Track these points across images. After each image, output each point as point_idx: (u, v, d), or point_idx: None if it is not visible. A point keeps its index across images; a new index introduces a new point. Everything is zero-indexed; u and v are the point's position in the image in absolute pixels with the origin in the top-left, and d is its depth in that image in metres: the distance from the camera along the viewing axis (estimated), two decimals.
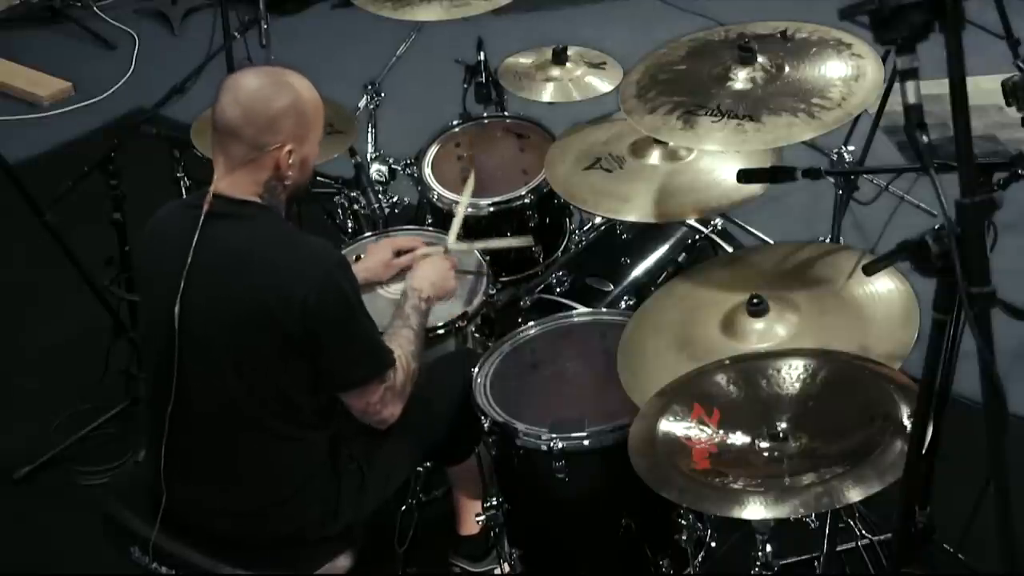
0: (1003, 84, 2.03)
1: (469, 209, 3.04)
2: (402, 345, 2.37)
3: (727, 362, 2.11)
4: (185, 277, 2.16)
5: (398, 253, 2.77)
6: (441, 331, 2.64)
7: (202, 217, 2.16)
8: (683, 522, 2.41)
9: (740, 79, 2.37)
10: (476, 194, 3.16)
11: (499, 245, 2.96)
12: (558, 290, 2.82)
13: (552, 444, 2.30)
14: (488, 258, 2.87)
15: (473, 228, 3.02)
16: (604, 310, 2.70)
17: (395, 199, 3.35)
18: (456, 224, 2.83)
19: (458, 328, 2.69)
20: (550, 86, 3.31)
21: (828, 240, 2.95)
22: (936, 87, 1.54)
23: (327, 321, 2.16)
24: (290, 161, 2.18)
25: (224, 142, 2.19)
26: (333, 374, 2.24)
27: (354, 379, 2.26)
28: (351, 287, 2.21)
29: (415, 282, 2.53)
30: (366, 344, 2.26)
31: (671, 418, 2.02)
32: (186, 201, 2.25)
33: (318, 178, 3.54)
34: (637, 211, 2.58)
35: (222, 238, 2.17)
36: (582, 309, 2.69)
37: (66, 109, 5.16)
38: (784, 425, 1.95)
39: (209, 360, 2.19)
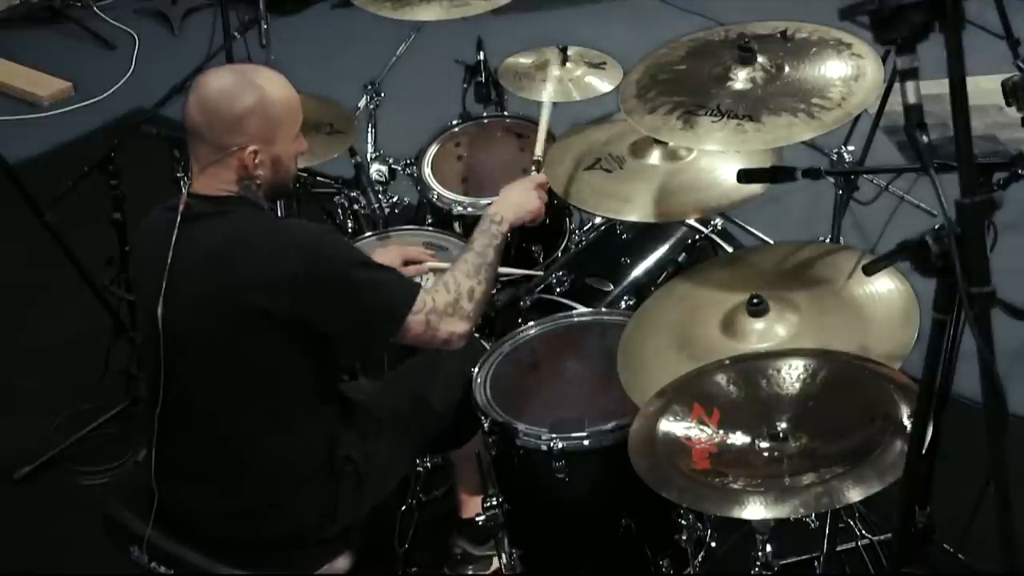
0: (1003, 84, 2.03)
1: (469, 209, 3.05)
2: (456, 266, 2.33)
3: (727, 362, 2.11)
4: (167, 278, 2.15)
5: (405, 263, 2.76)
6: None
7: (178, 218, 2.16)
8: (683, 522, 2.41)
9: (740, 79, 2.37)
10: (475, 194, 3.17)
11: (507, 271, 2.94)
12: (558, 290, 2.82)
13: (552, 444, 2.30)
14: None
15: (472, 228, 3.01)
16: (604, 310, 2.70)
17: (395, 199, 3.35)
18: (543, 131, 2.80)
19: None
20: (550, 86, 3.30)
21: (828, 240, 2.95)
22: (936, 87, 1.53)
23: (325, 295, 2.14)
24: (256, 161, 2.17)
25: (192, 143, 2.20)
26: (358, 335, 2.26)
27: (385, 328, 2.22)
28: (334, 252, 2.19)
29: (493, 207, 2.46)
30: (375, 293, 2.20)
31: (671, 418, 2.02)
32: (166, 204, 2.25)
33: (318, 178, 3.55)
34: (637, 211, 2.58)
35: (202, 237, 2.16)
36: (582, 309, 2.69)
37: (66, 109, 5.16)
38: (784, 425, 1.95)
39: (200, 359, 2.19)
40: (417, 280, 2.69)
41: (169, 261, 2.15)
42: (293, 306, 2.12)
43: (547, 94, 2.90)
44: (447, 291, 2.26)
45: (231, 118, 2.14)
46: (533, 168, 2.71)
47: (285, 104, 2.20)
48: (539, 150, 2.75)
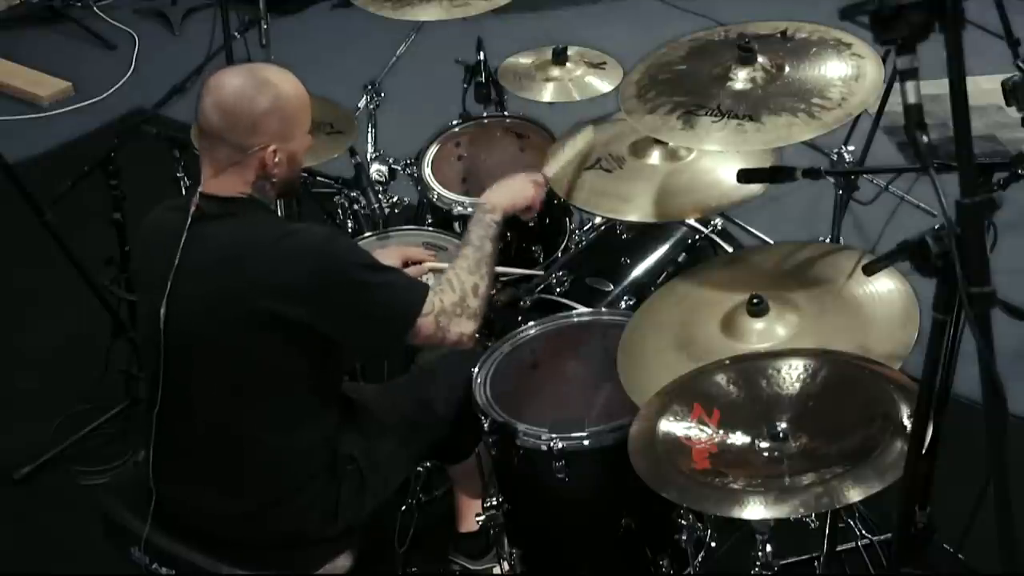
0: (1003, 84, 2.03)
1: (469, 209, 3.05)
2: (456, 263, 2.32)
3: (727, 362, 2.11)
4: (173, 278, 2.15)
5: (405, 264, 2.75)
6: None
7: (189, 218, 2.16)
8: (683, 522, 2.41)
9: (740, 79, 2.37)
10: (475, 194, 3.16)
11: (507, 271, 2.93)
12: (558, 290, 2.82)
13: (552, 444, 2.30)
14: None
15: None
16: (604, 310, 2.70)
17: (395, 199, 3.35)
18: (563, 157, 2.68)
19: None
20: (550, 86, 3.31)
21: (828, 240, 2.95)
22: (936, 87, 1.54)
23: (335, 298, 2.13)
24: (276, 160, 2.17)
25: (209, 145, 2.18)
26: (368, 338, 2.24)
27: (395, 331, 2.21)
28: (345, 255, 2.18)
29: (485, 195, 2.46)
30: (385, 296, 2.20)
31: (671, 418, 2.02)
32: (175, 203, 2.24)
33: (318, 178, 3.56)
34: (637, 211, 2.58)
35: (211, 237, 2.16)
36: (582, 309, 2.69)
37: (66, 109, 5.17)
38: (784, 425, 1.94)
39: (202, 359, 2.19)
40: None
41: (177, 261, 2.15)
42: (302, 309, 2.12)
43: (585, 133, 2.75)
44: (452, 290, 2.25)
45: (252, 119, 2.14)
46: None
47: (299, 100, 2.21)
48: (552, 170, 2.65)
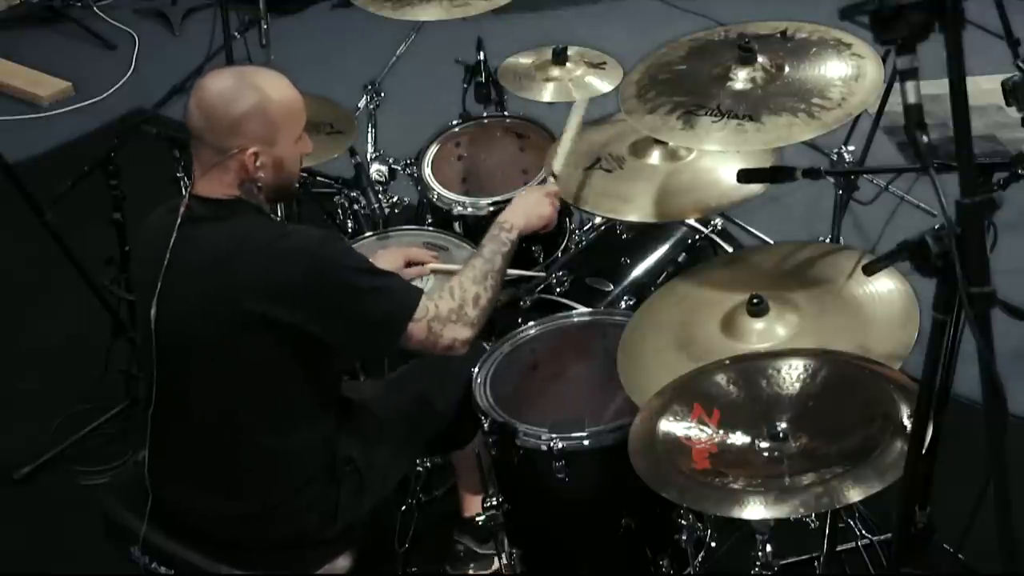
0: (1003, 84, 2.03)
1: (469, 209, 3.05)
2: (463, 272, 2.32)
3: (727, 362, 2.11)
4: (163, 280, 2.15)
5: (408, 264, 2.74)
6: None
7: (179, 220, 2.15)
8: (683, 522, 2.41)
9: (740, 79, 2.37)
10: (476, 194, 3.16)
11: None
12: (558, 290, 2.82)
13: (552, 444, 2.30)
14: None
15: (473, 228, 3.02)
16: (604, 310, 2.70)
17: (395, 199, 3.35)
18: (564, 148, 2.67)
19: None
20: (550, 86, 3.31)
21: (828, 240, 2.95)
22: (936, 87, 1.54)
23: (326, 301, 2.13)
24: (257, 163, 2.16)
25: (194, 145, 2.19)
26: (359, 342, 2.23)
27: (386, 336, 2.20)
28: (337, 258, 2.17)
29: (503, 215, 2.46)
30: (377, 300, 2.18)
31: (671, 418, 2.02)
32: (168, 205, 2.24)
33: (318, 178, 3.55)
34: (637, 211, 2.58)
35: (202, 239, 2.16)
36: (582, 309, 2.69)
37: (66, 109, 5.17)
38: (784, 425, 1.94)
39: (196, 362, 2.19)
40: (418, 282, 2.68)
41: (166, 262, 2.15)
42: (293, 311, 2.11)
43: (578, 108, 2.74)
44: (452, 297, 2.25)
45: (230, 121, 2.14)
46: (551, 178, 2.63)
47: (286, 105, 2.19)
48: (558, 165, 2.64)
